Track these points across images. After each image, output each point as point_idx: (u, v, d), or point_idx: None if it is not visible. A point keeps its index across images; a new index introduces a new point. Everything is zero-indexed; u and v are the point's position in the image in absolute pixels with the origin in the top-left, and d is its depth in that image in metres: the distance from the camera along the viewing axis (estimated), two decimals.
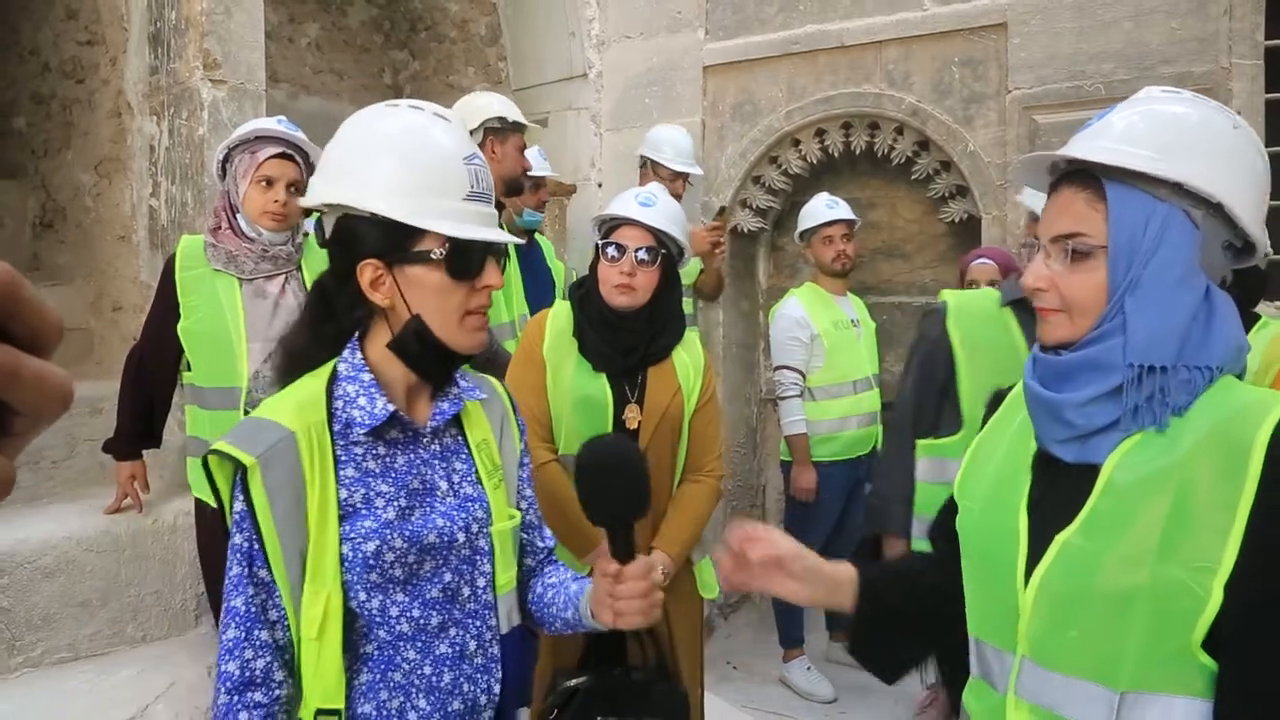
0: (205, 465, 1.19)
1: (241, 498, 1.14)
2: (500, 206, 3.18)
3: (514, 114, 3.11)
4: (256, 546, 1.15)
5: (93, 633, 2.79)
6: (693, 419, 2.20)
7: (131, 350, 2.73)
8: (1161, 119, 1.09)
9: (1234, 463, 0.98)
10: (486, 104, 3.13)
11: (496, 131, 3.08)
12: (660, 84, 4.39)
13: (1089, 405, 1.07)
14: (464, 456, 1.33)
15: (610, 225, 2.18)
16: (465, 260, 1.20)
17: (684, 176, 3.84)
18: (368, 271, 1.19)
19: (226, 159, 2.50)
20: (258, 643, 1.15)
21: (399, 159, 1.19)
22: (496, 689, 1.31)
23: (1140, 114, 1.11)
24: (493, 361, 2.71)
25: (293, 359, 1.28)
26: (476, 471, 1.33)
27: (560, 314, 2.22)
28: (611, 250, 2.13)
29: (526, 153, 3.24)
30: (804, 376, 3.68)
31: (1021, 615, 1.11)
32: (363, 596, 1.20)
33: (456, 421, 1.34)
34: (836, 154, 4.08)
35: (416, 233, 1.18)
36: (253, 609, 1.15)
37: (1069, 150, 1.12)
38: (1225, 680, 0.98)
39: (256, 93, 3.17)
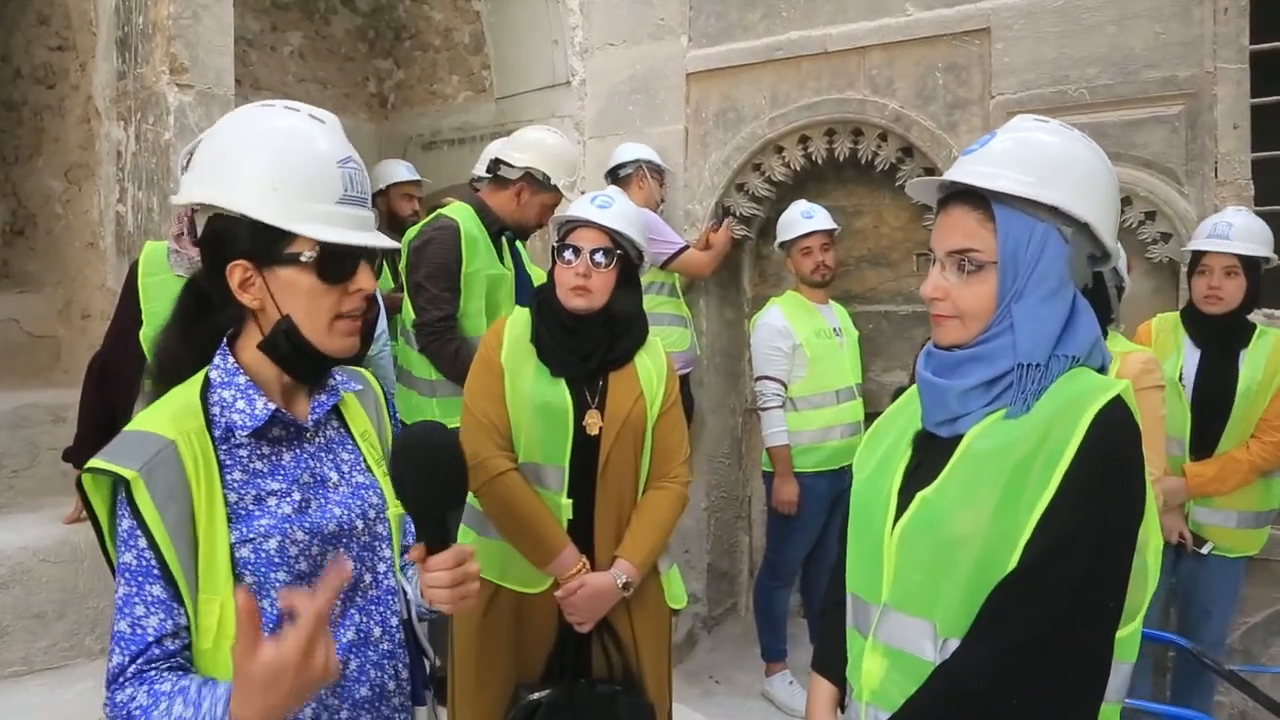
0: (79, 486, 1.15)
1: (128, 514, 1.10)
2: (504, 234, 3.12)
3: (559, 178, 3.04)
4: (151, 561, 1.10)
5: (49, 645, 2.73)
6: (656, 425, 2.15)
7: (93, 357, 2.69)
8: (1033, 145, 1.26)
9: (1065, 434, 1.16)
10: (539, 141, 3.05)
11: (534, 182, 3.03)
12: (644, 91, 4.35)
13: (969, 392, 1.25)
14: (350, 447, 1.33)
15: (567, 228, 2.15)
16: (337, 264, 1.19)
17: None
18: (237, 272, 1.18)
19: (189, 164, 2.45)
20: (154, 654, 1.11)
21: (270, 160, 1.17)
22: (405, 674, 1.32)
23: (1015, 140, 1.28)
24: None
25: (162, 362, 1.25)
26: (365, 460, 1.33)
27: (518, 320, 2.18)
28: (568, 252, 2.09)
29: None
30: (786, 387, 3.61)
31: (885, 564, 1.28)
32: (267, 602, 1.17)
33: (337, 414, 1.35)
34: (820, 161, 4.03)
35: (287, 235, 1.17)
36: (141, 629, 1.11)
37: (961, 176, 1.27)
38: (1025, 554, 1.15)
39: (225, 98, 3.13)
